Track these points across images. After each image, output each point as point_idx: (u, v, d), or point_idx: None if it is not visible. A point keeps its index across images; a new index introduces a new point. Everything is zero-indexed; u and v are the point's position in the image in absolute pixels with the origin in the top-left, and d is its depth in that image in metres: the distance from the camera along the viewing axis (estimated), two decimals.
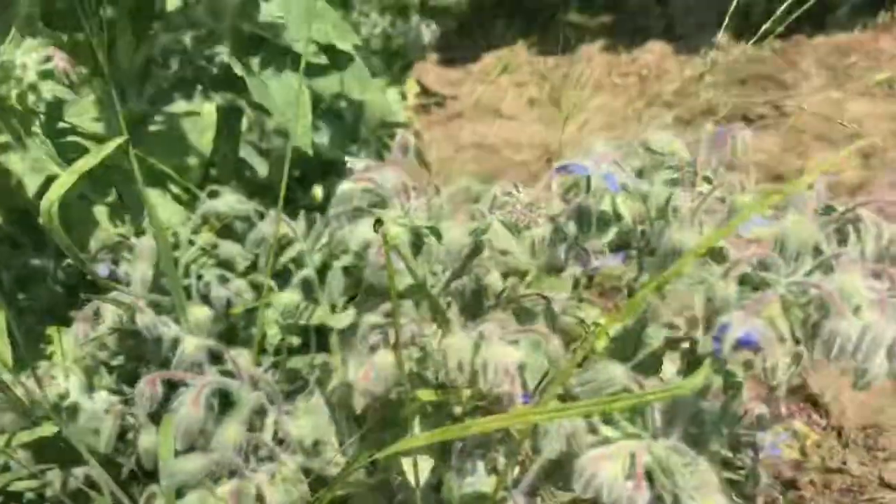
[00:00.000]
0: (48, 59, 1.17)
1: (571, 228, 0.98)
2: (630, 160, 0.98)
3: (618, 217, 0.95)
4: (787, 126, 3.28)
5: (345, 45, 1.65)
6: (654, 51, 4.15)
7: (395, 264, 0.94)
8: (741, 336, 0.76)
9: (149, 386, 0.92)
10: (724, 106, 3.48)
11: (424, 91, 3.87)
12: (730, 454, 1.45)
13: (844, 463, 1.76)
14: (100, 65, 1.26)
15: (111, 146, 1.09)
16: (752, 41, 2.60)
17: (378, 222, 0.86)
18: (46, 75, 1.16)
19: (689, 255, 0.74)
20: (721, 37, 4.54)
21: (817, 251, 0.87)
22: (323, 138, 1.79)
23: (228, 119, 1.77)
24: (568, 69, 4.12)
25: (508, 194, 0.99)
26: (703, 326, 0.89)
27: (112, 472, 1.31)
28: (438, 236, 0.98)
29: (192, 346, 0.95)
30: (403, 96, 3.60)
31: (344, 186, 0.94)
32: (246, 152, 2.06)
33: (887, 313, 0.76)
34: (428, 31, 2.89)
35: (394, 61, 3.55)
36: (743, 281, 0.87)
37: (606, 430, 0.85)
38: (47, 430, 1.05)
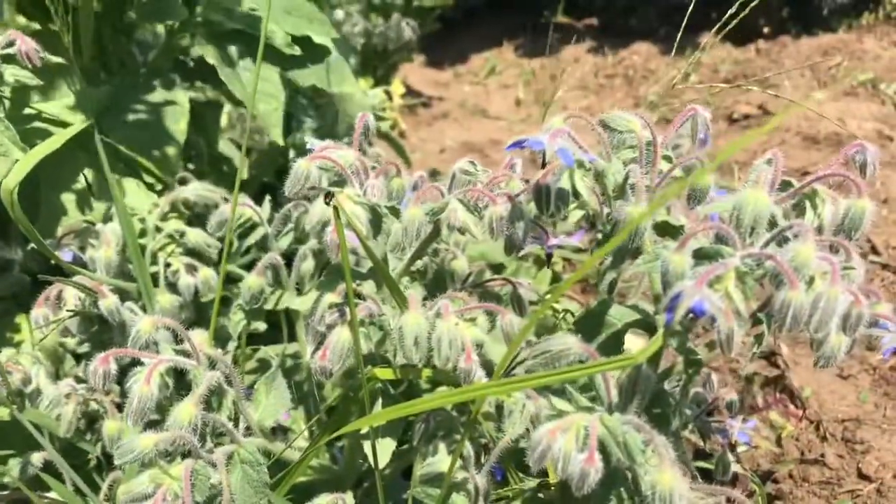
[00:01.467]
0: (10, 43, 1.16)
1: (531, 207, 0.98)
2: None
3: (576, 195, 0.95)
4: (771, 125, 3.29)
5: (321, 39, 1.65)
6: (640, 52, 4.16)
7: (352, 243, 0.93)
8: (692, 305, 0.75)
9: (101, 364, 0.91)
10: (708, 106, 3.49)
11: (411, 92, 3.87)
12: (700, 442, 1.45)
13: (822, 455, 1.76)
14: (68, 52, 1.25)
15: (73, 130, 1.08)
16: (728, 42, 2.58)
17: (329, 195, 0.85)
18: (8, 59, 1.15)
19: (631, 224, 0.73)
20: (707, 38, 4.56)
21: (774, 225, 0.87)
22: (303, 132, 1.78)
23: (205, 112, 1.77)
24: (555, 70, 4.13)
25: (467, 173, 0.98)
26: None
27: (79, 459, 1.30)
28: (397, 215, 0.98)
29: (147, 324, 0.94)
30: (389, 97, 3.61)
31: (299, 164, 0.93)
32: (228, 148, 2.06)
33: (839, 283, 0.76)
34: (409, 30, 2.89)
35: (379, 62, 3.55)
36: (700, 255, 0.87)
37: (560, 404, 0.84)
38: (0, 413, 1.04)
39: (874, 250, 2.42)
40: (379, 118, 2.32)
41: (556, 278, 2.26)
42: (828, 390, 1.94)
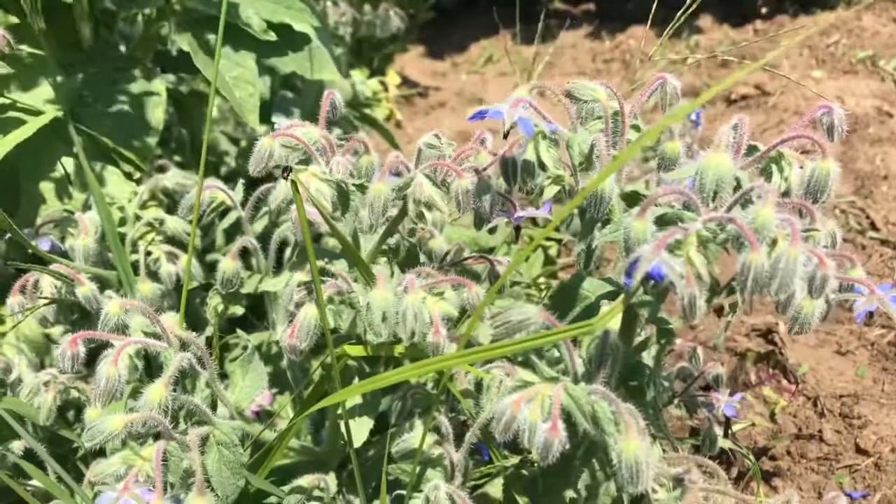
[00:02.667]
0: None
1: (501, 182, 0.97)
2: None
3: (542, 166, 0.94)
4: (769, 106, 3.26)
5: (300, 26, 1.65)
6: (637, 35, 4.13)
7: (317, 219, 0.93)
8: (650, 270, 0.74)
9: (70, 346, 0.91)
10: (706, 87, 3.46)
11: (408, 82, 3.86)
12: (690, 419, 1.44)
13: (820, 431, 1.75)
14: (43, 43, 1.25)
15: (44, 119, 1.08)
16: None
17: (286, 171, 0.85)
18: None
19: (588, 188, 0.72)
20: (704, 20, 4.53)
21: (739, 189, 0.86)
22: (282, 119, 1.78)
23: (189, 103, 1.77)
24: (552, 57, 4.11)
25: (432, 147, 0.97)
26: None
27: (64, 448, 1.30)
28: (365, 192, 0.97)
29: (115, 306, 0.94)
30: (385, 87, 3.60)
31: (262, 141, 0.93)
32: (219, 140, 2.06)
33: (798, 244, 0.75)
34: (396, 18, 2.88)
35: (373, 52, 3.54)
36: (663, 221, 0.86)
37: (526, 375, 0.83)
38: None
39: (873, 226, 2.40)
40: (364, 105, 2.31)
41: (549, 261, 2.25)
42: (826, 366, 1.93)
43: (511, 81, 4.00)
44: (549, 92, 0.96)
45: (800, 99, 3.23)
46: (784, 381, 1.73)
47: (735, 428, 1.74)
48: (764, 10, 4.10)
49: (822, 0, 4.01)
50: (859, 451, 1.70)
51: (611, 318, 0.76)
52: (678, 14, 1.79)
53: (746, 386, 1.73)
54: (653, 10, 1.72)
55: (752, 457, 1.62)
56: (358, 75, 3.27)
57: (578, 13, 4.65)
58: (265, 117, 1.84)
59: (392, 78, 3.67)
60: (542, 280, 2.03)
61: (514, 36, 4.41)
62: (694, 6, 1.65)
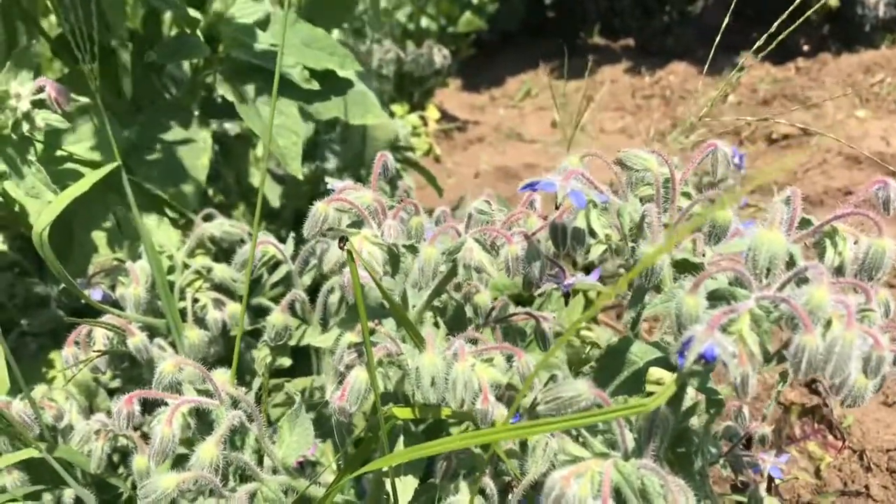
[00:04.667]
0: (41, 89, 1.20)
1: (549, 245, 0.98)
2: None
3: (592, 233, 0.94)
4: (811, 145, 3.24)
5: (344, 72, 1.67)
6: (678, 72, 4.13)
7: (368, 283, 0.94)
8: (703, 351, 0.74)
9: (126, 405, 0.93)
10: (747, 126, 3.45)
11: (446, 116, 3.89)
12: (732, 475, 1.42)
13: (867, 487, 1.72)
14: (95, 94, 1.28)
15: (102, 172, 1.11)
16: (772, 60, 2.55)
17: (343, 240, 0.86)
18: (38, 104, 1.19)
19: (642, 264, 0.72)
20: (745, 57, 4.52)
21: (792, 265, 0.86)
22: (329, 164, 1.81)
23: (234, 146, 1.80)
24: (591, 92, 4.12)
25: (483, 213, 0.98)
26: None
27: (110, 494, 1.33)
28: (415, 253, 0.98)
29: (169, 365, 0.95)
30: (425, 122, 3.63)
31: (317, 206, 0.94)
32: (268, 184, 2.09)
33: (854, 327, 0.74)
34: (440, 56, 2.91)
35: (414, 87, 3.58)
36: (715, 296, 0.86)
37: (575, 449, 0.83)
38: (30, 452, 1.06)
39: None
40: (406, 148, 2.34)
41: (589, 305, 2.24)
42: (872, 418, 1.89)
43: (549, 116, 4.02)
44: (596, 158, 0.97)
45: (844, 139, 3.20)
46: (830, 437, 1.70)
47: (777, 482, 1.71)
48: (806, 48, 4.09)
49: (866, 37, 3.98)
50: None
51: (664, 400, 0.76)
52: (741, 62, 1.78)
53: (791, 440, 1.70)
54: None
55: None
56: (399, 110, 3.31)
57: (618, 48, 4.67)
58: (310, 157, 1.87)
59: (432, 112, 3.71)
60: (582, 325, 2.02)
61: (553, 70, 4.44)
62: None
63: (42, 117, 1.19)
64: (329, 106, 1.60)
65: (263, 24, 1.60)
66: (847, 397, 0.87)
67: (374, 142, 1.86)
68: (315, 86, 1.52)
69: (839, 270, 0.89)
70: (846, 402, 0.89)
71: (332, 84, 1.59)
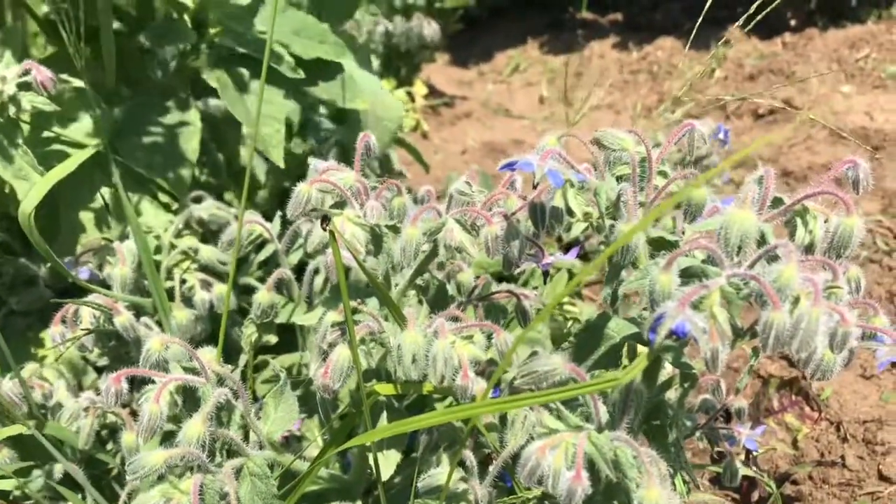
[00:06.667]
0: (27, 72, 1.20)
1: (528, 225, 1.00)
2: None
3: (570, 212, 0.96)
4: (797, 121, 3.26)
5: (333, 59, 1.67)
6: (665, 47, 4.13)
7: (351, 263, 0.96)
8: (674, 327, 0.77)
9: (114, 383, 0.95)
10: (733, 101, 3.46)
11: (434, 92, 3.89)
12: (709, 446, 1.46)
13: (842, 457, 1.75)
14: (83, 76, 1.29)
15: (85, 154, 1.12)
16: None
17: (325, 220, 0.88)
18: (25, 87, 1.19)
19: (617, 242, 0.75)
20: (732, 32, 4.53)
21: (763, 242, 0.88)
22: (319, 136, 1.81)
23: (224, 128, 1.80)
24: (579, 67, 4.12)
25: (463, 194, 1.00)
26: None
27: (100, 469, 1.35)
28: (398, 233, 1.00)
29: (156, 343, 0.97)
30: (412, 97, 3.63)
31: (300, 187, 0.96)
32: (255, 161, 2.09)
33: (821, 303, 0.76)
34: (430, 30, 2.90)
35: (402, 62, 3.57)
36: (687, 273, 0.88)
37: (552, 422, 0.86)
38: (18, 428, 1.08)
39: None
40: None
41: (571, 276, 2.26)
42: (850, 390, 1.93)
43: (537, 91, 4.03)
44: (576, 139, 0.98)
45: (828, 113, 3.22)
46: (807, 409, 1.73)
47: (755, 453, 1.75)
48: (793, 23, 4.09)
49: (853, 13, 3.99)
50: (882, 477, 1.70)
51: (636, 373, 0.79)
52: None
53: (769, 412, 1.74)
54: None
55: (773, 483, 1.63)
56: (386, 86, 3.30)
57: (606, 23, 4.67)
58: (301, 135, 1.86)
59: (419, 88, 3.70)
60: (565, 301, 2.05)
61: (541, 45, 4.43)
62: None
63: (29, 100, 1.20)
64: (318, 90, 1.60)
65: (253, 9, 1.60)
66: (815, 371, 0.90)
67: (373, 115, 1.85)
68: (300, 75, 1.53)
69: (809, 248, 0.91)
70: (815, 375, 0.91)
71: (321, 69, 1.59)
